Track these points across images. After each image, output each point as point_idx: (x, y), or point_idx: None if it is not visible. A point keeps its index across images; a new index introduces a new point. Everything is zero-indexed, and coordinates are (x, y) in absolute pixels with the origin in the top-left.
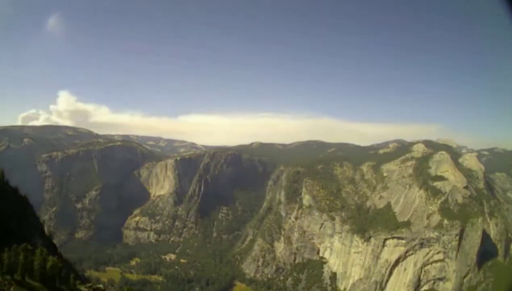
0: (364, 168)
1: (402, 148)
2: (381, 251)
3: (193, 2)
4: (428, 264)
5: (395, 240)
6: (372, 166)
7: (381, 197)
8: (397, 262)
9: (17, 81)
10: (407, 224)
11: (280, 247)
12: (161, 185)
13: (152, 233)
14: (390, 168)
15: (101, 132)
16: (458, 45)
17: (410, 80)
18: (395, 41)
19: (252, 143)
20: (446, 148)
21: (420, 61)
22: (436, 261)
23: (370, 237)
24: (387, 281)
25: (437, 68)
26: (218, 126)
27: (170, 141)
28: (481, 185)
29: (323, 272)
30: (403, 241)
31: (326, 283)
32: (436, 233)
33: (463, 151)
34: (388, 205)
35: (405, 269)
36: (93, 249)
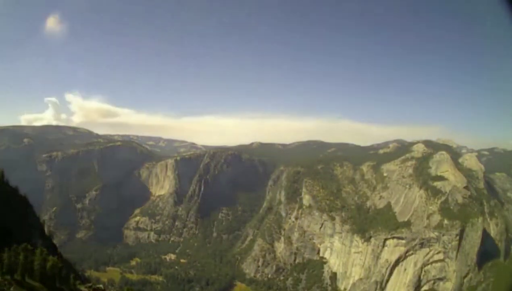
0: (364, 168)
1: (402, 148)
2: (381, 251)
3: (193, 2)
4: (428, 264)
5: (395, 240)
6: (372, 166)
7: (381, 197)
8: (397, 262)
9: (20, 81)
10: (407, 224)
11: (280, 247)
12: (161, 185)
13: (152, 233)
14: (390, 168)
15: (101, 132)
16: (458, 45)
17: (410, 80)
18: (395, 41)
19: (252, 143)
20: (446, 148)
21: (420, 61)
22: (436, 261)
23: (370, 237)
24: (387, 281)
25: (437, 68)
26: (218, 126)
27: (170, 141)
28: (481, 185)
29: (323, 272)
30: (403, 241)
31: (326, 283)
32: (436, 233)
33: (463, 151)
34: (388, 205)
35: (405, 269)
36: (93, 249)
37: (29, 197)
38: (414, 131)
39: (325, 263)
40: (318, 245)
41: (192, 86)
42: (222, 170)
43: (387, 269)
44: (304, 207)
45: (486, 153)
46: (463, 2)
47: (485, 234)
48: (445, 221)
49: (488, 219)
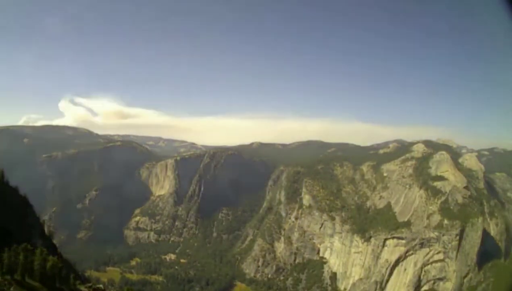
0: (364, 168)
1: (402, 148)
2: (381, 251)
3: (193, 1)
4: (428, 264)
5: (395, 240)
6: (372, 166)
7: (381, 197)
8: (397, 262)
9: (23, 82)
10: (407, 224)
11: (280, 247)
12: (161, 185)
13: (152, 233)
14: (390, 168)
15: (101, 132)
16: (458, 45)
17: (410, 80)
18: (395, 41)
19: (252, 143)
20: (446, 148)
21: (420, 61)
22: (436, 261)
23: (370, 237)
24: (387, 281)
25: (437, 69)
26: (218, 126)
27: (170, 141)
28: (481, 185)
29: (323, 272)
30: (403, 241)
31: (326, 283)
32: (436, 233)
33: (463, 151)
34: (388, 205)
35: (405, 269)
36: (93, 249)
37: (29, 197)
38: (414, 131)
39: (325, 263)
40: (318, 245)
41: (192, 86)
42: (222, 170)
43: (387, 269)
44: (304, 207)
45: (486, 153)
46: (463, 2)
47: (485, 234)
48: (445, 221)
49: (488, 219)
